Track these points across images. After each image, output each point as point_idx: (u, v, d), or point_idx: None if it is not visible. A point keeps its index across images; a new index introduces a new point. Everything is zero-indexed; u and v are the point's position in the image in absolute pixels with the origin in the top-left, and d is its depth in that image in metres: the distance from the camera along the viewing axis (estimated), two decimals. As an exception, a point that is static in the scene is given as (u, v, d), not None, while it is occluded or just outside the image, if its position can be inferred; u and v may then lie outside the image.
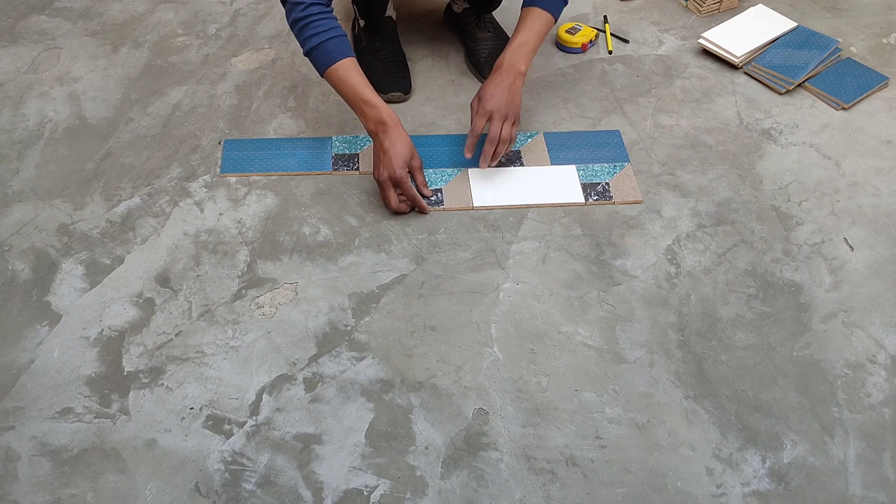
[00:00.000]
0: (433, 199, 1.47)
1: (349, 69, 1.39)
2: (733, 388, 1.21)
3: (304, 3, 1.36)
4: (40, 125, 1.62)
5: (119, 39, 1.84)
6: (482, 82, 1.70)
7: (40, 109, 1.65)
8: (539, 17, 1.47)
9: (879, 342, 1.27)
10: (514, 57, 1.44)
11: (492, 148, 1.45)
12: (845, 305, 1.31)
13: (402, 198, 1.43)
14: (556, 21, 1.49)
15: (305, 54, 1.41)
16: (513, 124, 1.45)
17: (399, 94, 1.66)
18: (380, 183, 1.41)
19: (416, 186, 1.45)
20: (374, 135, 1.41)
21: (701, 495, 1.09)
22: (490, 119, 1.43)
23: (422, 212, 1.45)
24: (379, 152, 1.40)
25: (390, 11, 1.74)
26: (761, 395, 1.20)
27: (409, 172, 1.42)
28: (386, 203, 1.43)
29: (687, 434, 1.16)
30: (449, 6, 1.83)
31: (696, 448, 1.14)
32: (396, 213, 1.44)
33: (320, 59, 1.39)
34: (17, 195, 1.48)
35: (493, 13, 1.80)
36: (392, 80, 1.67)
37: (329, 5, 1.40)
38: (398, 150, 1.38)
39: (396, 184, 1.41)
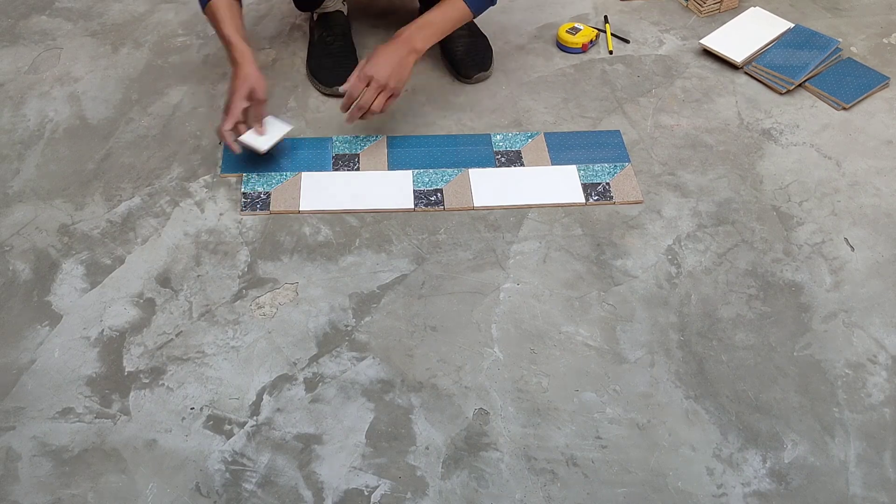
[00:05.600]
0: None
1: (219, 7, 1.47)
2: (734, 389, 1.21)
3: None
4: (41, 125, 1.62)
5: (119, 40, 1.84)
6: (460, 80, 1.71)
7: (41, 109, 1.65)
8: (455, 6, 1.48)
9: (880, 342, 1.27)
10: (415, 33, 1.46)
11: (358, 113, 1.47)
12: (846, 305, 1.31)
13: (229, 132, 1.43)
14: (473, 17, 1.50)
15: None
16: (389, 97, 1.45)
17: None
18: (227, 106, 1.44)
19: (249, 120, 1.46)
20: (232, 66, 1.46)
21: (701, 495, 1.09)
22: (367, 84, 1.44)
23: (225, 141, 1.43)
24: (231, 82, 1.45)
25: (340, 6, 1.75)
26: (762, 396, 1.20)
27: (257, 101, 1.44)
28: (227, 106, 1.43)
29: (687, 434, 1.16)
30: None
31: (696, 448, 1.14)
32: (224, 135, 1.43)
33: None
34: (18, 195, 1.48)
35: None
36: (338, 73, 1.66)
37: None
38: (239, 83, 1.42)
39: (229, 105, 1.42)
